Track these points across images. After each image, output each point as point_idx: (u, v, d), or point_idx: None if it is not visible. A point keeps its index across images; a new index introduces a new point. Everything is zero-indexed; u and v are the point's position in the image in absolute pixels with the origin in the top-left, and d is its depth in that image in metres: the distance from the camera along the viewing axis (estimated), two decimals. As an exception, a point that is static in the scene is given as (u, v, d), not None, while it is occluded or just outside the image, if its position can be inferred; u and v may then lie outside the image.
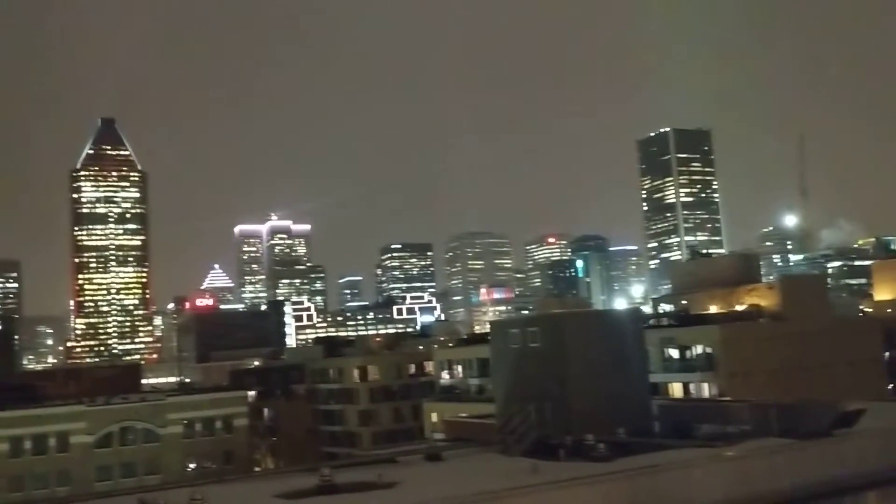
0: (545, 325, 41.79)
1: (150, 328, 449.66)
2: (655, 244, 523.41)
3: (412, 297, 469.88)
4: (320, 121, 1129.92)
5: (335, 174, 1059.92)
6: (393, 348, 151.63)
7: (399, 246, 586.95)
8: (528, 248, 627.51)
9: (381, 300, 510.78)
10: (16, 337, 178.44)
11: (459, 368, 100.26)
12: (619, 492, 28.31)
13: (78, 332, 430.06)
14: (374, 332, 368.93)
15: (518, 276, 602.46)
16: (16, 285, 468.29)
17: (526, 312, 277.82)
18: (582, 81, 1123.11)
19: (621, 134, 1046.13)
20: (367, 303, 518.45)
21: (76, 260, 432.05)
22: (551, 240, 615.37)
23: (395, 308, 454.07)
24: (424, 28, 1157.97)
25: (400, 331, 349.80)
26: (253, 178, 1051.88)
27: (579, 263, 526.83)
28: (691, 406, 48.30)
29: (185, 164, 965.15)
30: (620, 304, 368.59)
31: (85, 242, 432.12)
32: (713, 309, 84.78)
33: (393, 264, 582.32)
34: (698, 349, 70.20)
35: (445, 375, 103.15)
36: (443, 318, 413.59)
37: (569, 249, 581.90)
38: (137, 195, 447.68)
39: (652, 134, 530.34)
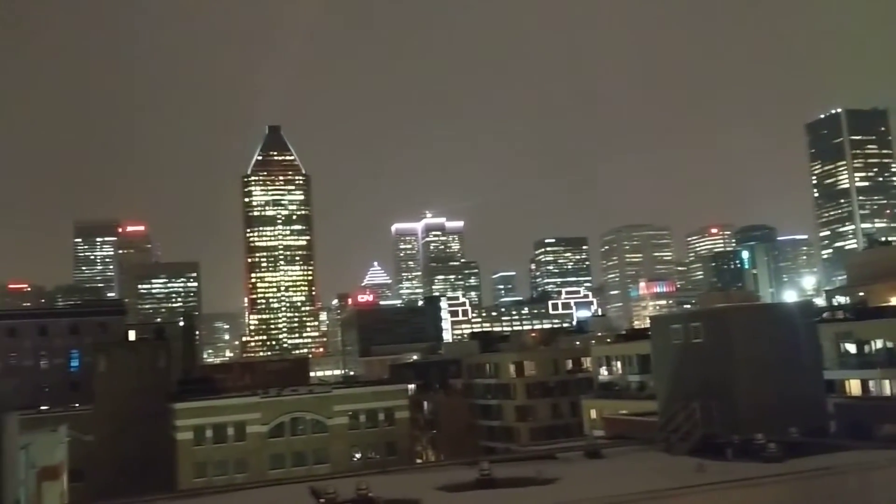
0: (709, 320, 40.20)
1: (316, 323, 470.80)
2: (828, 232, 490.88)
3: (567, 292, 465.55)
4: (473, 119, 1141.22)
5: (488, 171, 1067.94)
6: (549, 344, 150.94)
7: (553, 240, 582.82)
8: (689, 239, 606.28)
9: (535, 295, 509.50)
10: (197, 332, 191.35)
11: (618, 364, 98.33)
12: (792, 495, 26.80)
13: (252, 327, 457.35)
14: (529, 327, 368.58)
15: (679, 268, 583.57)
16: (196, 285, 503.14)
17: (688, 307, 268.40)
18: (744, 65, 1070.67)
19: (787, 118, 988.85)
20: (521, 298, 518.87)
21: (249, 260, 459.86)
22: (714, 230, 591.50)
23: (549, 303, 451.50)
24: (581, 26, 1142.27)
25: (555, 326, 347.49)
26: (408, 177, 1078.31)
27: (745, 254, 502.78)
28: (871, 405, 45.10)
29: (344, 166, 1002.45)
30: (790, 296, 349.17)
31: (256, 243, 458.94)
32: (895, 301, 78.58)
33: (547, 259, 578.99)
34: (878, 344, 65.26)
35: (604, 372, 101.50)
36: (599, 313, 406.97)
37: (733, 240, 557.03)
38: (302, 198, 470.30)
39: (822, 116, 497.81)
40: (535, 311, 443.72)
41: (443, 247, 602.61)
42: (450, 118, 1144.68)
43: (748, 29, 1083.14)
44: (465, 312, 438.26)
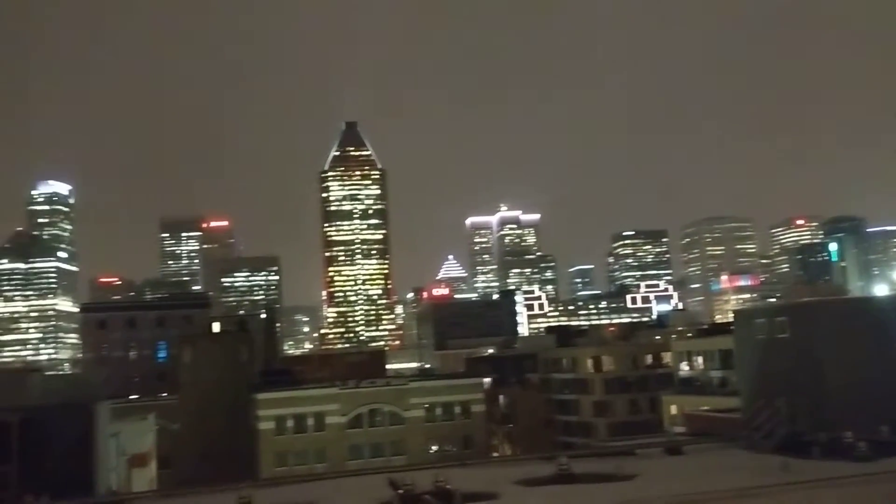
0: (796, 314, 38.97)
1: (392, 316, 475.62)
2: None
3: (646, 286, 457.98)
4: (545, 111, 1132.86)
5: (564, 165, 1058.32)
6: (627, 338, 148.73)
7: (632, 233, 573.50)
8: (773, 231, 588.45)
9: (613, 289, 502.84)
10: (278, 325, 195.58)
11: (700, 360, 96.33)
12: (882, 495, 25.74)
13: (330, 320, 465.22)
14: (607, 321, 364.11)
15: (763, 261, 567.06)
16: (276, 278, 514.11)
17: (773, 300, 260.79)
18: (833, 57, 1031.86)
19: (876, 106, 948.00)
20: (598, 291, 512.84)
21: (326, 254, 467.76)
22: (800, 222, 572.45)
23: (628, 297, 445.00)
24: (654, 21, 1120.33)
25: (634, 320, 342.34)
26: (483, 171, 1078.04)
27: (833, 247, 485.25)
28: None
29: (420, 161, 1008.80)
30: (881, 290, 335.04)
31: (334, 237, 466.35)
32: None
33: (625, 252, 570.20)
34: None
35: (685, 367, 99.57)
36: (680, 306, 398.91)
37: (820, 232, 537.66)
38: (378, 192, 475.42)
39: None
40: (613, 305, 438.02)
41: (518, 240, 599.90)
42: (527, 113, 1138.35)
43: (839, 22, 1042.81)
44: (541, 306, 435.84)
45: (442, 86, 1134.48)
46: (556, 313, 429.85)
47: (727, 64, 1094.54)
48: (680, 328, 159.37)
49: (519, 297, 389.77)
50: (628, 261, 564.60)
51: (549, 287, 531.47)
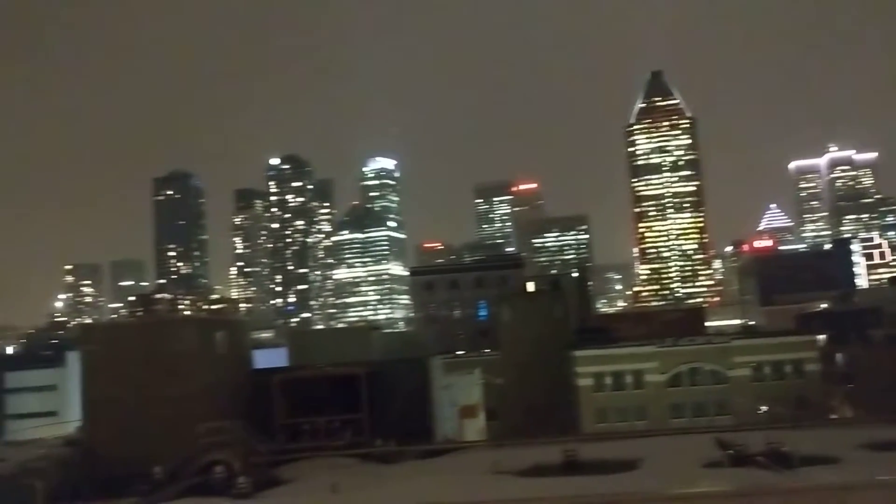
0: None
1: (709, 272, 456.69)
2: None
3: None
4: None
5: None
6: None
7: None
8: None
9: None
10: (590, 283, 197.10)
11: None
12: None
13: (643, 277, 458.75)
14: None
15: None
16: (586, 237, 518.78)
17: None
18: None
19: None
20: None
21: (636, 210, 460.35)
22: None
23: None
24: None
25: None
26: (804, 108, 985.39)
27: None
28: None
29: (731, 104, 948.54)
30: None
31: (643, 192, 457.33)
32: None
33: None
34: None
35: None
36: None
37: None
38: (688, 142, 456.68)
39: None
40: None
41: (852, 182, 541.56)
42: (850, 40, 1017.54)
43: None
44: (882, 255, 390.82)
45: (750, 22, 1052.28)
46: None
47: None
48: None
49: (855, 246, 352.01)
50: None
51: (892, 233, 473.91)
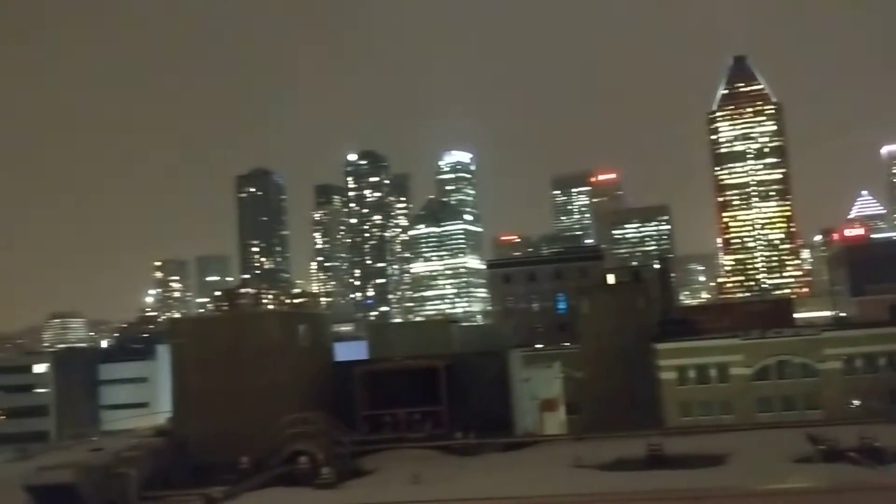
0: None
1: (797, 262, 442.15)
2: None
3: None
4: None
5: None
6: None
7: None
8: None
9: None
10: (672, 274, 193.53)
11: None
12: None
13: (727, 268, 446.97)
14: None
15: None
16: (668, 227, 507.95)
17: None
18: None
19: None
20: None
21: (719, 199, 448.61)
22: None
23: None
24: None
25: None
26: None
27: None
28: None
29: (819, 89, 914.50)
30: None
31: (726, 181, 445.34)
32: None
33: None
34: None
35: None
36: None
37: None
38: (774, 128, 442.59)
39: None
40: None
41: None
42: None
43: None
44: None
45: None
46: None
47: None
48: None
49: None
50: None
51: None
